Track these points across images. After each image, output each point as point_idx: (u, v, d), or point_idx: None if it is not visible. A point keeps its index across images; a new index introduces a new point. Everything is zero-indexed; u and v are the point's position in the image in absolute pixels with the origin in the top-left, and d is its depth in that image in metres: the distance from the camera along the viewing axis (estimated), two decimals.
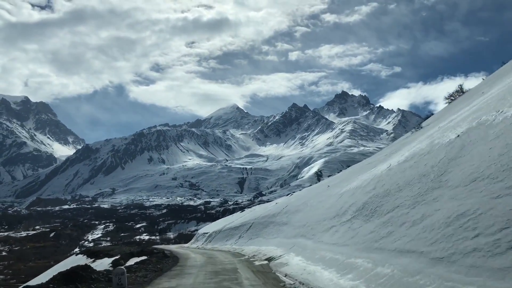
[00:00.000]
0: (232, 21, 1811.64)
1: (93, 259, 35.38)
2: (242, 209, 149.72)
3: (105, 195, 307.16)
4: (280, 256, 18.17)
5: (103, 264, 28.74)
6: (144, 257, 23.11)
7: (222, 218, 69.90)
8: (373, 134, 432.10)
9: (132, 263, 21.12)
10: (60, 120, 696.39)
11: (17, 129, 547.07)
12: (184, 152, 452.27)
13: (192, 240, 55.90)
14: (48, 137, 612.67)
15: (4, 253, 57.52)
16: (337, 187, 23.64)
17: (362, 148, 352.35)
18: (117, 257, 28.42)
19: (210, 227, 54.86)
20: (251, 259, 20.87)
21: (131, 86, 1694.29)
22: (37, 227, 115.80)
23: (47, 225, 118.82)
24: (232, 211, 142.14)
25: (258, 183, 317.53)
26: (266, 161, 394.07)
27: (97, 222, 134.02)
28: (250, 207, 71.07)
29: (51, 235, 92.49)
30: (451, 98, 29.77)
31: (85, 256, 39.87)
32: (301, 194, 37.95)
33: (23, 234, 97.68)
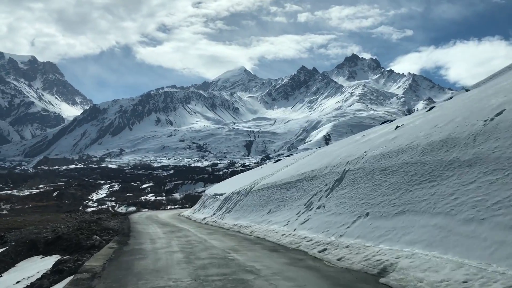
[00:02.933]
0: None
1: None
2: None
3: (112, 155, 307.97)
4: None
5: None
6: (54, 258, 12.37)
7: (242, 174, 51.09)
8: (383, 98, 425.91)
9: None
10: (68, 81, 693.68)
11: (25, 88, 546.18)
12: (191, 114, 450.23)
13: (197, 206, 35.30)
14: (56, 97, 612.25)
15: (5, 212, 56.60)
16: None
17: (371, 112, 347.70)
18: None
19: (224, 186, 35.03)
20: None
21: (137, 47, 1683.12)
22: (41, 186, 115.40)
23: (51, 184, 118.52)
24: (240, 173, 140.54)
25: (265, 146, 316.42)
26: (274, 124, 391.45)
27: (102, 182, 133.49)
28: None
29: (54, 194, 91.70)
30: None
31: None
32: None
33: (26, 192, 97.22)
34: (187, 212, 37.27)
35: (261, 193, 20.81)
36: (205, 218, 25.76)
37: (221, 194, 28.66)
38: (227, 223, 20.37)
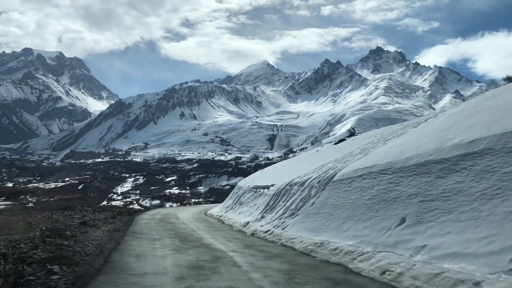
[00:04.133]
0: None
1: None
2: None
3: (138, 149, 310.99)
4: None
5: None
6: None
7: (290, 160, 40.47)
8: (408, 91, 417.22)
9: None
10: (94, 76, 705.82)
11: (53, 84, 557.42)
12: (215, 108, 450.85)
13: (229, 202, 26.30)
14: (83, 92, 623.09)
15: (31, 204, 56.91)
16: None
17: (397, 105, 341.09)
18: None
19: (267, 175, 26.22)
20: None
21: (162, 43, 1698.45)
22: (67, 179, 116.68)
23: (77, 177, 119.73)
24: (264, 166, 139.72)
25: (288, 140, 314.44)
26: (297, 118, 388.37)
27: (127, 175, 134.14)
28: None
29: (80, 187, 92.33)
30: None
31: None
32: None
33: (52, 185, 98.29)
34: (215, 209, 28.66)
35: (360, 184, 12.01)
36: (248, 223, 17.18)
37: (267, 187, 20.12)
38: (298, 238, 11.88)
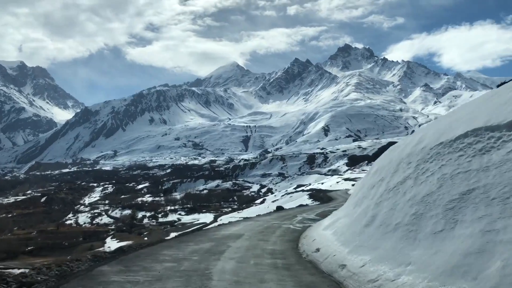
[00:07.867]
0: None
1: None
2: (253, 165, 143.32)
3: (107, 157, 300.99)
4: None
5: None
6: None
7: None
8: (379, 86, 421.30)
9: None
10: (58, 85, 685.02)
11: (15, 94, 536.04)
12: (185, 112, 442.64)
13: (331, 217, 12.92)
14: (47, 102, 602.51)
15: None
16: None
17: (369, 101, 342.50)
18: None
19: None
20: None
21: (127, 48, 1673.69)
22: (29, 191, 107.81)
23: (40, 189, 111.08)
24: (243, 168, 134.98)
25: (263, 141, 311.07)
26: (270, 118, 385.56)
27: (95, 185, 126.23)
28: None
29: (42, 200, 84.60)
30: None
31: None
32: None
33: (11, 200, 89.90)
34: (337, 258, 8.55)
35: None
36: None
37: None
38: None
